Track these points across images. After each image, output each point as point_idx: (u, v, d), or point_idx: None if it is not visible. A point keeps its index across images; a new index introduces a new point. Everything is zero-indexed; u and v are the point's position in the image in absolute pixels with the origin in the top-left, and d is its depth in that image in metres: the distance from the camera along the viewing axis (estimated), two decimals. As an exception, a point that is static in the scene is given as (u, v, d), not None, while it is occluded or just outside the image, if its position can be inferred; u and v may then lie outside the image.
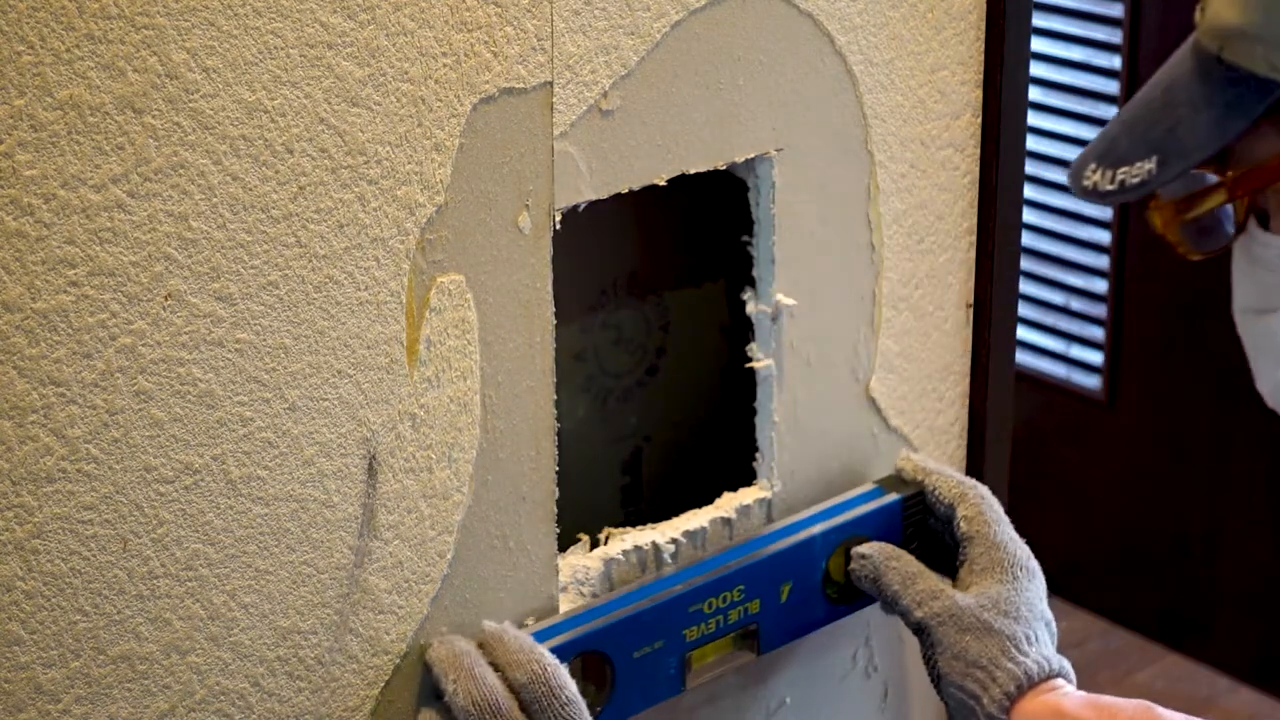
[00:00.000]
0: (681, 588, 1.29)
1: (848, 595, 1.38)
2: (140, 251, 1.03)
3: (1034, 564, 1.33)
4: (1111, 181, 0.99)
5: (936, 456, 1.49)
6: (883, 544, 1.35)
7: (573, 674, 1.24)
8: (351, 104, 1.09)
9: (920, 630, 1.30)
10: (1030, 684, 1.25)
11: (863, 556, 1.34)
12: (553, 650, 1.22)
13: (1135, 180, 0.98)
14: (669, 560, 1.32)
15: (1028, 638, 1.27)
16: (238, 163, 1.05)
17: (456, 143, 1.14)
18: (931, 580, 1.31)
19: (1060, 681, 1.26)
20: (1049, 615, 1.31)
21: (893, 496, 1.39)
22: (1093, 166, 1.01)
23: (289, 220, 1.08)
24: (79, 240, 1.00)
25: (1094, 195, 1.00)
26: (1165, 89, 1.01)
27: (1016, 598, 1.28)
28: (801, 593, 1.35)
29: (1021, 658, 1.25)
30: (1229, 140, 0.99)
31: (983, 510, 1.34)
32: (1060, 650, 1.31)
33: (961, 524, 1.34)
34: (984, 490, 1.37)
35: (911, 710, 1.52)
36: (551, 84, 1.18)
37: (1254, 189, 1.01)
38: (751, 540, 1.35)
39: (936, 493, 1.37)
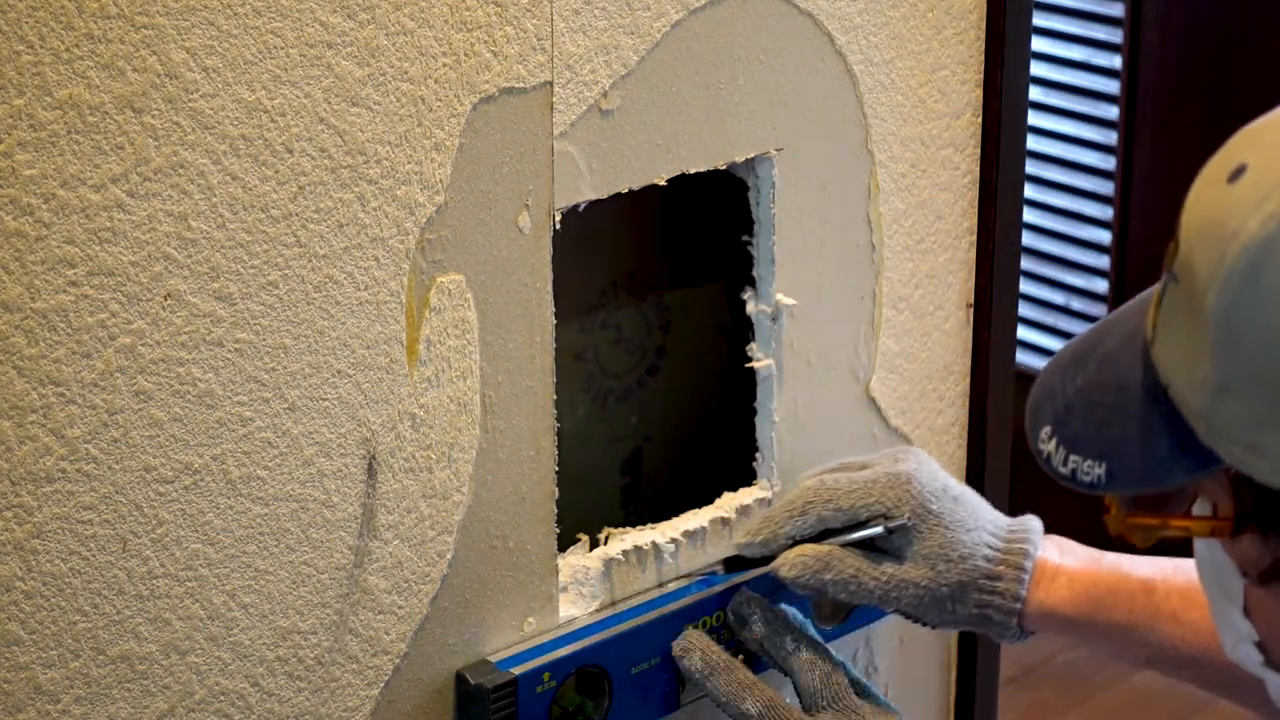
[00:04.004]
0: (677, 605, 1.30)
1: (834, 618, 1.39)
2: (140, 251, 1.02)
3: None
4: (1065, 464, 0.97)
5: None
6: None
7: (571, 688, 1.24)
8: (351, 104, 1.09)
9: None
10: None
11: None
12: (552, 664, 1.23)
13: (1086, 479, 0.96)
14: (669, 560, 1.32)
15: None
16: (237, 163, 1.05)
17: (456, 142, 1.14)
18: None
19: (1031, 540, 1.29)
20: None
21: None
22: (1048, 430, 0.98)
23: (289, 220, 1.08)
24: (79, 240, 1.00)
25: (1048, 467, 0.99)
26: (1118, 388, 0.96)
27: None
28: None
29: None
30: (1175, 485, 0.96)
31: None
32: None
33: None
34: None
35: (912, 710, 1.52)
36: (551, 84, 1.18)
37: (1211, 536, 0.97)
38: None
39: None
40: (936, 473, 1.31)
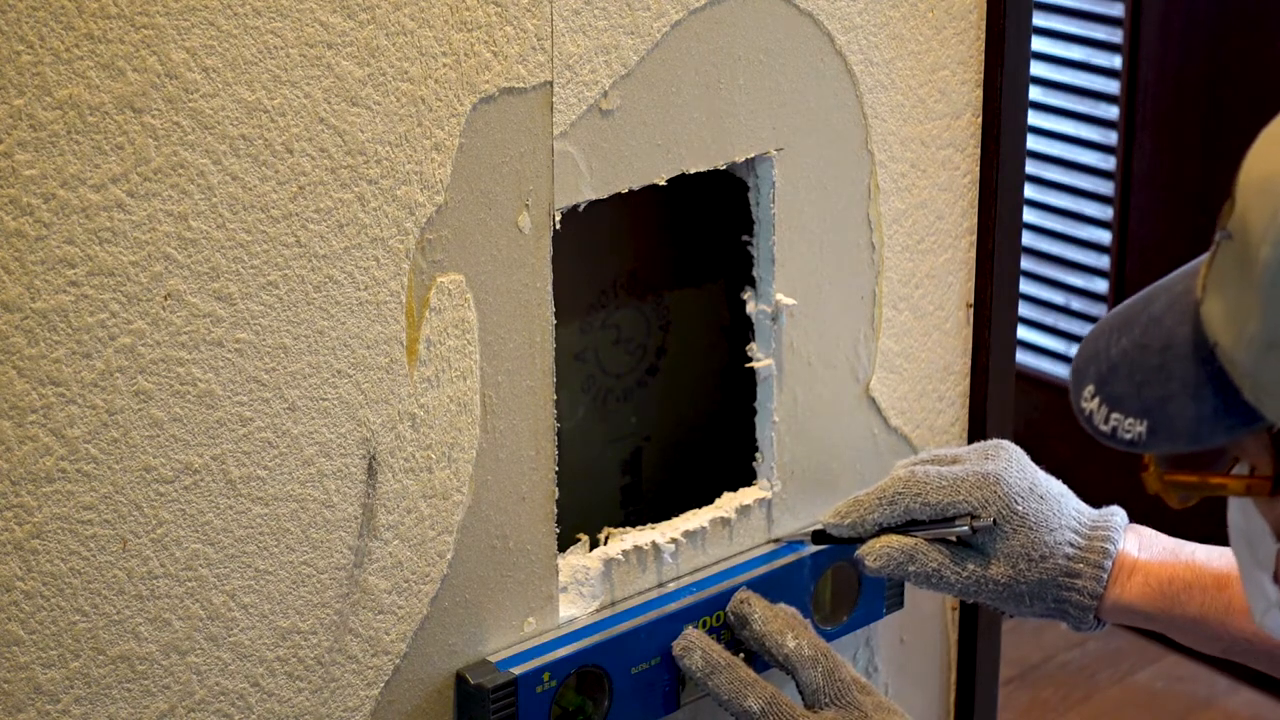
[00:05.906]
0: (677, 605, 1.30)
1: (835, 618, 1.39)
2: (140, 251, 1.02)
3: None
4: (1106, 423, 0.98)
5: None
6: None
7: (571, 688, 1.24)
8: (351, 104, 1.09)
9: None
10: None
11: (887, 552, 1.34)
12: (552, 664, 1.23)
13: (1127, 436, 0.98)
14: (669, 560, 1.32)
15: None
16: (237, 163, 1.05)
17: (456, 142, 1.14)
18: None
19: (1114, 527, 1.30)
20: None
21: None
22: (1091, 389, 1.00)
23: (289, 220, 1.08)
24: (79, 240, 1.00)
25: (1089, 425, 1.00)
26: (1163, 348, 0.97)
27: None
28: None
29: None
30: (1216, 444, 0.97)
31: None
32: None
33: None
34: None
35: (912, 710, 1.52)
36: (551, 84, 1.18)
37: (1247, 495, 0.99)
38: (745, 561, 1.36)
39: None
40: (1025, 471, 1.32)
